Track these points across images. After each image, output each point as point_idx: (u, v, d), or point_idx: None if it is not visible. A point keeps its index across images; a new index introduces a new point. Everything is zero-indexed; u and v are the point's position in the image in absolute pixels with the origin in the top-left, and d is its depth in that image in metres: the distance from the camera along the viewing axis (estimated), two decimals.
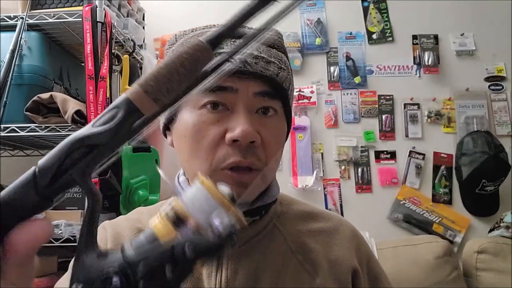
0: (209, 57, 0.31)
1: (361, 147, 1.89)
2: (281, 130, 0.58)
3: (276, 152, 0.56)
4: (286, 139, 0.62)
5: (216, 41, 0.31)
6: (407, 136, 1.90)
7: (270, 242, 0.59)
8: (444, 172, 1.86)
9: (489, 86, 1.93)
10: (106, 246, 0.59)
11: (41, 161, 0.29)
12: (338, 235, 0.62)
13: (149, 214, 0.64)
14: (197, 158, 0.53)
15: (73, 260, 0.31)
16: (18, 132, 1.34)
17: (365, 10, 2.02)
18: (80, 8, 1.40)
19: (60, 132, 1.33)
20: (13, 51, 1.34)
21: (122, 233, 0.60)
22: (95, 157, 0.29)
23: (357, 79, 1.94)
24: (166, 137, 0.62)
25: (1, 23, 1.42)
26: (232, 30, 0.32)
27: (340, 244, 0.61)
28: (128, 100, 0.29)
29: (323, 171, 1.87)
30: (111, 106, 0.30)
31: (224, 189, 0.34)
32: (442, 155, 1.88)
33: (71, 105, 1.30)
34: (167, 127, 0.60)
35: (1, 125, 1.32)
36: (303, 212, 0.65)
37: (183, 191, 0.38)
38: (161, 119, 0.61)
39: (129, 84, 1.52)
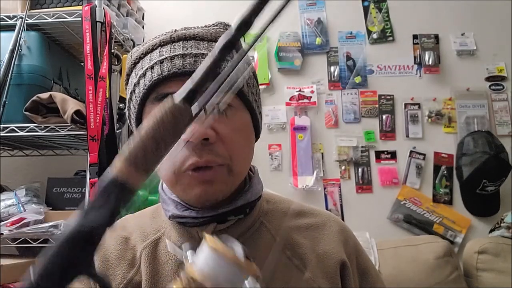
0: (189, 116, 0.32)
1: (362, 147, 1.88)
2: (241, 123, 0.57)
3: (240, 145, 0.56)
4: (258, 132, 0.62)
5: (192, 97, 0.33)
6: (407, 136, 1.90)
7: (258, 239, 0.59)
8: (445, 172, 1.85)
9: (489, 86, 1.93)
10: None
11: (39, 269, 0.28)
12: (326, 229, 0.63)
13: (135, 221, 0.64)
14: (161, 165, 0.54)
15: None
16: (18, 132, 1.34)
17: (366, 10, 2.02)
18: (80, 7, 1.40)
19: (60, 132, 1.33)
20: (12, 51, 1.34)
21: (107, 243, 0.61)
22: (95, 247, 0.30)
23: (357, 79, 1.94)
24: None
25: (1, 22, 1.42)
26: (202, 84, 0.33)
27: (328, 239, 0.62)
28: (121, 182, 0.31)
29: (323, 171, 1.87)
30: (105, 186, 0.31)
31: (236, 248, 0.35)
32: (443, 155, 1.87)
33: (71, 105, 1.30)
34: None
35: (1, 125, 1.32)
36: (290, 210, 0.65)
37: (194, 255, 0.39)
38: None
39: None
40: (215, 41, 0.58)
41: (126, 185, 0.31)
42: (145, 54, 0.58)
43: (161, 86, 0.54)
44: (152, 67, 0.54)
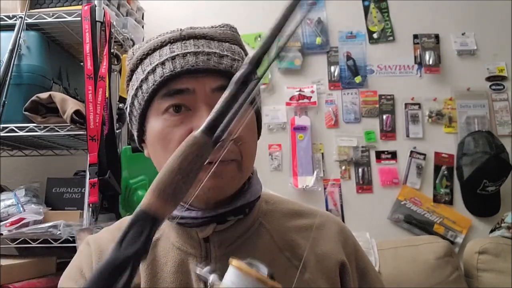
0: (210, 146, 0.35)
1: (362, 147, 1.88)
2: (249, 122, 0.57)
3: (249, 142, 0.56)
4: (259, 133, 0.63)
5: (214, 128, 0.35)
6: (408, 136, 1.89)
7: (257, 240, 0.59)
8: (445, 172, 1.85)
9: (490, 86, 1.92)
10: (91, 262, 0.60)
11: None
12: (325, 230, 0.63)
13: None
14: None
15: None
16: (17, 132, 1.33)
17: (366, 10, 2.01)
18: (79, 7, 1.40)
19: (59, 132, 1.33)
20: (12, 51, 1.34)
21: (104, 246, 0.61)
22: (131, 276, 0.33)
23: (357, 79, 1.94)
24: (142, 150, 0.62)
25: (0, 22, 1.41)
26: (222, 116, 0.35)
27: (327, 239, 0.61)
28: (151, 216, 0.33)
29: (323, 171, 1.86)
30: (134, 219, 0.33)
31: (261, 267, 0.38)
32: (443, 155, 1.87)
33: (70, 105, 1.30)
34: (141, 139, 0.60)
35: (0, 125, 1.32)
36: (289, 210, 0.65)
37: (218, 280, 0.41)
38: (134, 132, 0.61)
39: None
40: (225, 41, 0.58)
41: (156, 216, 0.33)
42: (153, 50, 0.57)
43: (173, 82, 0.54)
44: (163, 63, 0.54)
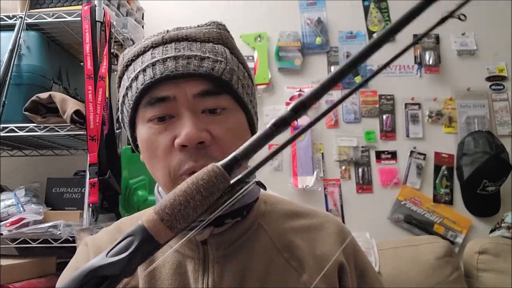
0: (225, 182, 0.33)
1: (362, 147, 1.88)
2: (236, 124, 0.56)
3: (236, 146, 0.55)
4: (254, 132, 0.60)
5: (232, 165, 0.33)
6: (408, 136, 1.89)
7: (256, 242, 0.58)
8: (445, 172, 1.85)
9: (490, 86, 1.92)
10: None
11: None
12: (324, 231, 0.62)
13: (132, 223, 0.63)
14: (157, 169, 0.54)
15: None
16: (17, 132, 1.33)
17: (366, 10, 2.01)
18: (79, 7, 1.40)
19: (59, 132, 1.33)
20: (12, 51, 1.34)
21: (103, 247, 0.60)
22: (108, 286, 0.31)
23: (357, 79, 1.94)
24: (139, 153, 0.62)
25: (0, 22, 1.42)
26: (247, 156, 0.34)
27: (326, 240, 0.61)
28: (143, 229, 0.32)
29: (323, 171, 1.86)
30: (127, 233, 0.32)
31: None
32: (443, 155, 1.87)
33: (70, 105, 1.30)
34: (136, 144, 0.60)
35: (0, 125, 1.32)
36: (288, 211, 0.64)
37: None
38: (129, 137, 0.61)
39: None
40: (208, 41, 0.56)
41: (152, 234, 0.32)
42: (137, 56, 0.56)
43: (154, 89, 0.52)
44: (144, 70, 0.53)
